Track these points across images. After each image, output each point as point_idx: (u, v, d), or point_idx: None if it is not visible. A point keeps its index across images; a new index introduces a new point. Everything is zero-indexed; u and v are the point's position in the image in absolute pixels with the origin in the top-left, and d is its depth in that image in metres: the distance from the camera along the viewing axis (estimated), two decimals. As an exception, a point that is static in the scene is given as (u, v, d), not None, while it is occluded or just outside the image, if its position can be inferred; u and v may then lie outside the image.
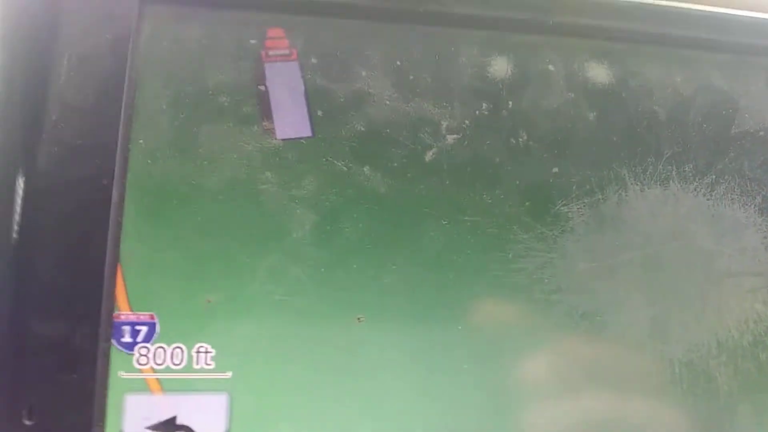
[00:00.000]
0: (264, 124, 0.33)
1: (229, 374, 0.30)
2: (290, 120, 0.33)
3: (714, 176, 0.35)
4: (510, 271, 0.33)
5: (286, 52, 0.34)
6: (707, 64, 0.36)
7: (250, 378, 0.31)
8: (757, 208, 0.35)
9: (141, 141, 0.32)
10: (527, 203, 0.34)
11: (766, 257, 0.35)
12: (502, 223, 0.33)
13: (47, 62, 0.32)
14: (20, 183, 0.30)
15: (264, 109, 0.33)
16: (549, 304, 0.33)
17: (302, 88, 0.34)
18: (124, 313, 0.31)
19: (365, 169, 0.33)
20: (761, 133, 0.36)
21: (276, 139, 0.33)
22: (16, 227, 0.30)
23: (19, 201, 0.30)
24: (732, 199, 0.35)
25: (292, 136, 0.33)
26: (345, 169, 0.33)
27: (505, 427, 0.32)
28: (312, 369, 0.31)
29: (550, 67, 0.35)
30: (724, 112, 0.36)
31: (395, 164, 0.33)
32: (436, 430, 0.31)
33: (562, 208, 0.34)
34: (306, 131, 0.33)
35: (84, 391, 0.30)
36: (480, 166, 0.34)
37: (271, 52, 0.34)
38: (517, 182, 0.34)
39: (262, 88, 0.33)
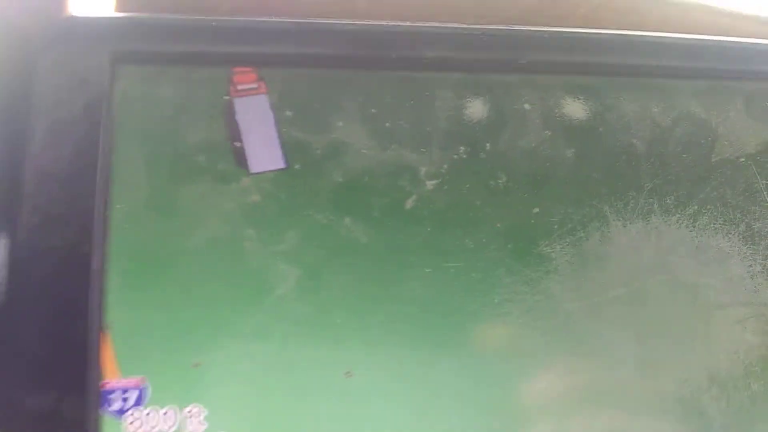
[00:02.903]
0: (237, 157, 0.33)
1: (221, 436, 0.30)
2: (263, 154, 0.33)
3: (696, 206, 0.35)
4: (497, 315, 0.33)
5: (254, 86, 0.34)
6: (683, 93, 0.36)
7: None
8: (740, 237, 0.35)
9: (119, 205, 0.32)
10: (510, 246, 0.33)
11: (752, 286, 0.35)
12: (486, 267, 0.33)
13: (21, 130, 0.32)
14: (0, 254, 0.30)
15: (231, 123, 0.33)
16: (538, 347, 0.33)
17: (273, 120, 0.33)
18: (113, 379, 0.30)
19: (346, 220, 0.33)
20: (741, 159, 0.36)
21: (250, 173, 0.33)
22: (-3, 300, 0.30)
23: (-1, 273, 0.30)
24: (715, 228, 0.35)
25: (267, 169, 0.33)
26: (326, 221, 0.33)
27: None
28: (303, 426, 0.31)
29: (526, 106, 0.35)
30: (702, 141, 0.36)
31: (376, 214, 0.33)
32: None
33: (545, 248, 0.34)
34: (279, 163, 0.33)
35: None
36: (461, 210, 0.34)
37: (239, 87, 0.34)
38: (499, 225, 0.34)
39: (238, 144, 0.33)
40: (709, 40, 0.37)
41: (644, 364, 0.33)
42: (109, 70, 0.33)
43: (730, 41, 0.37)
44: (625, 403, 0.33)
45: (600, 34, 0.36)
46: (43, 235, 0.31)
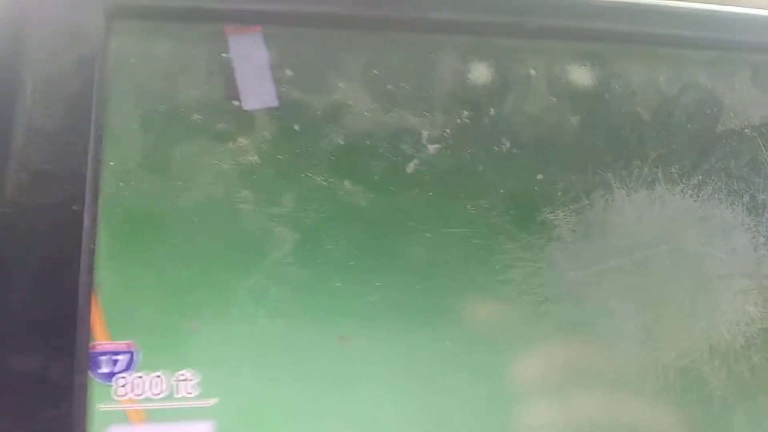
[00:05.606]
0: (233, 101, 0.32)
1: (213, 401, 0.30)
2: (256, 91, 0.32)
3: (700, 177, 0.35)
4: (497, 282, 0.32)
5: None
6: (690, 62, 0.36)
7: (235, 404, 0.30)
8: (744, 208, 0.35)
9: (112, 163, 0.31)
10: (512, 212, 0.33)
11: (755, 258, 0.35)
12: (488, 233, 0.33)
13: (12, 86, 0.30)
14: (-12, 212, 0.29)
15: (230, 81, 0.32)
16: (538, 315, 0.32)
17: (266, 58, 0.33)
18: (101, 342, 0.30)
19: (346, 183, 0.32)
20: (746, 130, 0.36)
21: (244, 110, 0.32)
22: (-16, 258, 0.29)
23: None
24: (719, 199, 0.35)
25: (259, 107, 0.32)
26: (325, 184, 0.32)
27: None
28: (298, 391, 0.30)
29: (532, 72, 0.34)
30: (708, 111, 0.36)
31: (376, 177, 0.32)
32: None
33: (548, 215, 0.33)
34: (272, 101, 0.32)
35: (63, 425, 0.29)
36: (463, 175, 0.33)
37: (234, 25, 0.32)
38: (502, 191, 0.33)
39: (236, 103, 0.32)
40: (717, 10, 0.36)
41: (645, 334, 0.33)
42: (104, 25, 0.31)
43: (739, 11, 0.36)
44: (624, 373, 0.33)
45: (607, 0, 0.35)
46: (33, 192, 0.30)
